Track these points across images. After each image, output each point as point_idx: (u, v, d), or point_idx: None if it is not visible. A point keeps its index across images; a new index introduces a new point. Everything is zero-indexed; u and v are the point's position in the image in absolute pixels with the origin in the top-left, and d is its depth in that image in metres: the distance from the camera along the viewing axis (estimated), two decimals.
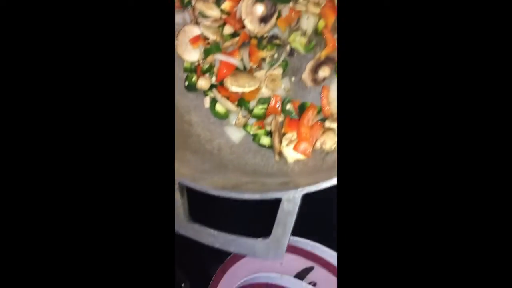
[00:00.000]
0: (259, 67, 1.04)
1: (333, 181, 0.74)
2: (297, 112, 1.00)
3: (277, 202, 0.78)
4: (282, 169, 0.97)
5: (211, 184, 0.85)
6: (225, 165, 0.99)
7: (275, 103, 1.03)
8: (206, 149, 1.04)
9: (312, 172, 0.90)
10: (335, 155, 0.93)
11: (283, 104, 1.02)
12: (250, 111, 1.04)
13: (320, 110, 0.97)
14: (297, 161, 0.98)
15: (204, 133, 1.07)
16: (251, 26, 1.00)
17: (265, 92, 1.03)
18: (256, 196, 0.80)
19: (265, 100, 1.03)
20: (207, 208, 0.88)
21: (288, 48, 1.02)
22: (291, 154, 0.97)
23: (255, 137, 1.04)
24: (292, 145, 0.97)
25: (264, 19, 1.00)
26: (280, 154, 0.99)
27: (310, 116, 0.95)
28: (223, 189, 0.84)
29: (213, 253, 0.86)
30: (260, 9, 1.00)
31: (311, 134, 0.94)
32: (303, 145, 0.95)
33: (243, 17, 1.00)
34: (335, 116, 0.95)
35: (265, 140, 1.03)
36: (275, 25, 1.01)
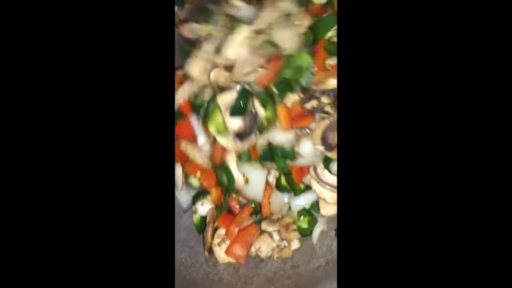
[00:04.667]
0: None
1: None
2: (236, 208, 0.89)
3: None
4: (208, 277, 0.84)
5: None
6: None
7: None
8: None
9: None
10: (270, 265, 0.82)
11: (225, 196, 0.92)
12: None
13: (257, 211, 0.87)
14: (228, 264, 0.86)
15: None
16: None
17: None
18: None
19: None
20: None
21: None
22: (222, 256, 0.86)
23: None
24: (224, 245, 0.85)
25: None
26: (210, 251, 0.87)
27: (245, 215, 0.84)
28: None
29: None
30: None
31: (244, 238, 0.84)
32: (237, 250, 0.83)
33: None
34: (274, 217, 0.85)
35: (203, 212, 0.92)
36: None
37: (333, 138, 0.76)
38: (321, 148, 0.77)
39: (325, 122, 0.76)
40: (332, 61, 0.80)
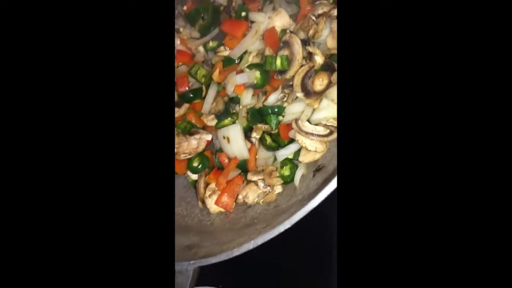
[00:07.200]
0: None
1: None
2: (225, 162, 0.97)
3: None
4: (201, 223, 0.92)
5: None
6: None
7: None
8: None
9: (228, 230, 0.85)
10: (257, 208, 0.89)
11: (215, 153, 1.00)
12: None
13: (244, 167, 0.94)
14: (219, 213, 0.93)
15: None
16: None
17: None
18: None
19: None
20: None
21: None
22: (213, 207, 0.93)
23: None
24: (214, 197, 0.92)
25: None
26: (203, 202, 0.94)
27: (231, 167, 0.92)
28: None
29: None
30: None
31: (231, 188, 0.91)
32: (224, 199, 0.91)
33: None
34: (260, 168, 0.92)
35: (194, 177, 1.00)
36: None
37: (311, 84, 0.84)
38: (300, 95, 0.84)
39: (304, 69, 0.84)
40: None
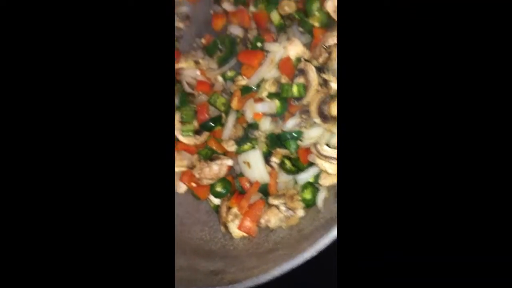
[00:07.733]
0: None
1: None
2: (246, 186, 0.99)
3: None
4: (225, 248, 0.93)
5: None
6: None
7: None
8: None
9: (252, 255, 0.87)
10: (279, 233, 0.90)
11: (236, 178, 1.02)
12: None
13: (265, 190, 0.97)
14: (243, 238, 0.95)
15: None
16: None
17: None
18: None
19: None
20: None
21: None
22: (236, 231, 0.95)
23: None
24: (237, 221, 0.94)
25: None
26: (226, 227, 0.96)
27: (253, 191, 0.94)
28: None
29: None
30: None
31: (253, 212, 0.93)
32: (247, 223, 0.93)
33: None
34: (280, 192, 0.94)
35: (217, 202, 1.02)
36: None
37: (328, 110, 0.86)
38: (318, 120, 0.86)
39: (319, 96, 0.87)
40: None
